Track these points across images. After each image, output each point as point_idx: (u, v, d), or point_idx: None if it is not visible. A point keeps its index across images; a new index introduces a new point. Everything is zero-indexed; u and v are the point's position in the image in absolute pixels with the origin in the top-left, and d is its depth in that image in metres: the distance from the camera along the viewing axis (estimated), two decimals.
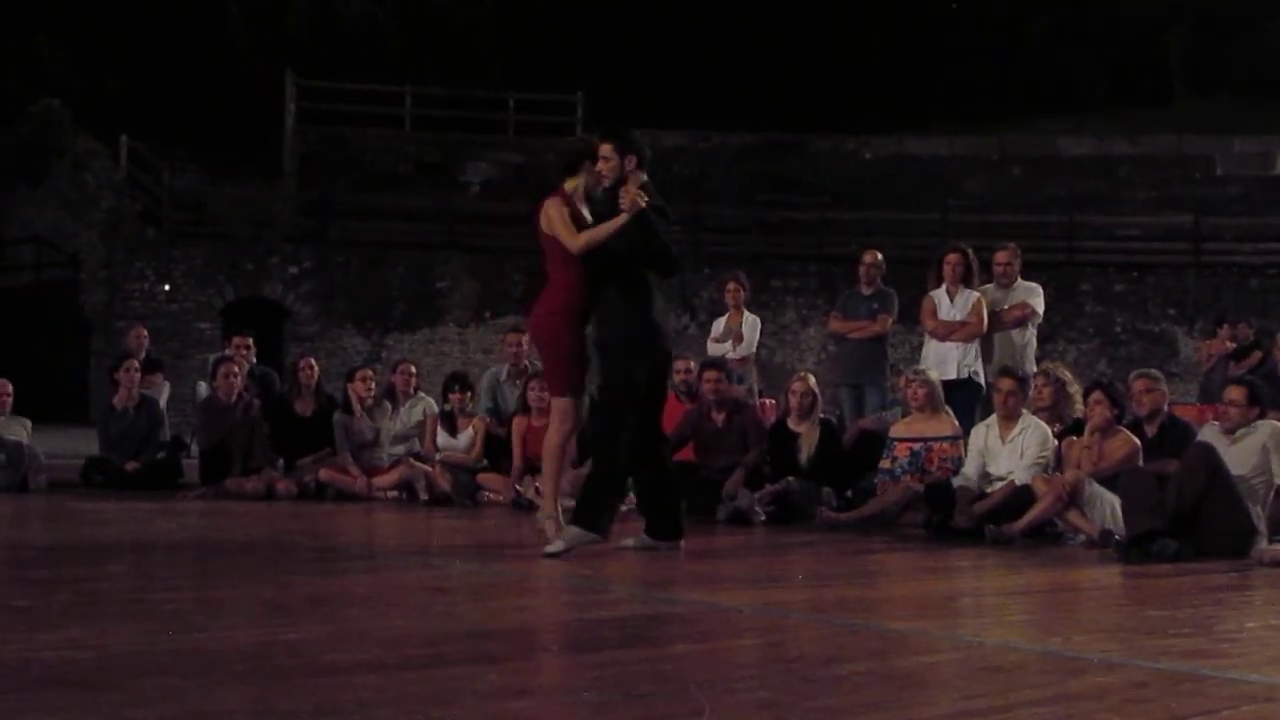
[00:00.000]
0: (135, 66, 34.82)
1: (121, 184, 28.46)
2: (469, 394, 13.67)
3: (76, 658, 4.48)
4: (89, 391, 25.86)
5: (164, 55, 34.83)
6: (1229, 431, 9.30)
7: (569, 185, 8.81)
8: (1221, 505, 8.90)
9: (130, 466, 13.68)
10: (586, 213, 8.69)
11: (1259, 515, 9.02)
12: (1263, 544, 8.84)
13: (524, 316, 8.87)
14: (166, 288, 27.48)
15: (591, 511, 8.38)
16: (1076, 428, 10.55)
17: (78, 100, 29.82)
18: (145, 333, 18.08)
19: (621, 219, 8.45)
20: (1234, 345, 18.00)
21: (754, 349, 14.44)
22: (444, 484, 12.91)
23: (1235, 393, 9.43)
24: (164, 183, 28.96)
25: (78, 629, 5.13)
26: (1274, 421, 9.34)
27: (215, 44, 35.44)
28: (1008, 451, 10.49)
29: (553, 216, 8.65)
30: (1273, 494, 9.10)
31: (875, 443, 11.94)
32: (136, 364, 14.64)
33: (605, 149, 8.76)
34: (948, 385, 11.91)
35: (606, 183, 8.74)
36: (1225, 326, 18.72)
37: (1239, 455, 9.10)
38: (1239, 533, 8.90)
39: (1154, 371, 10.92)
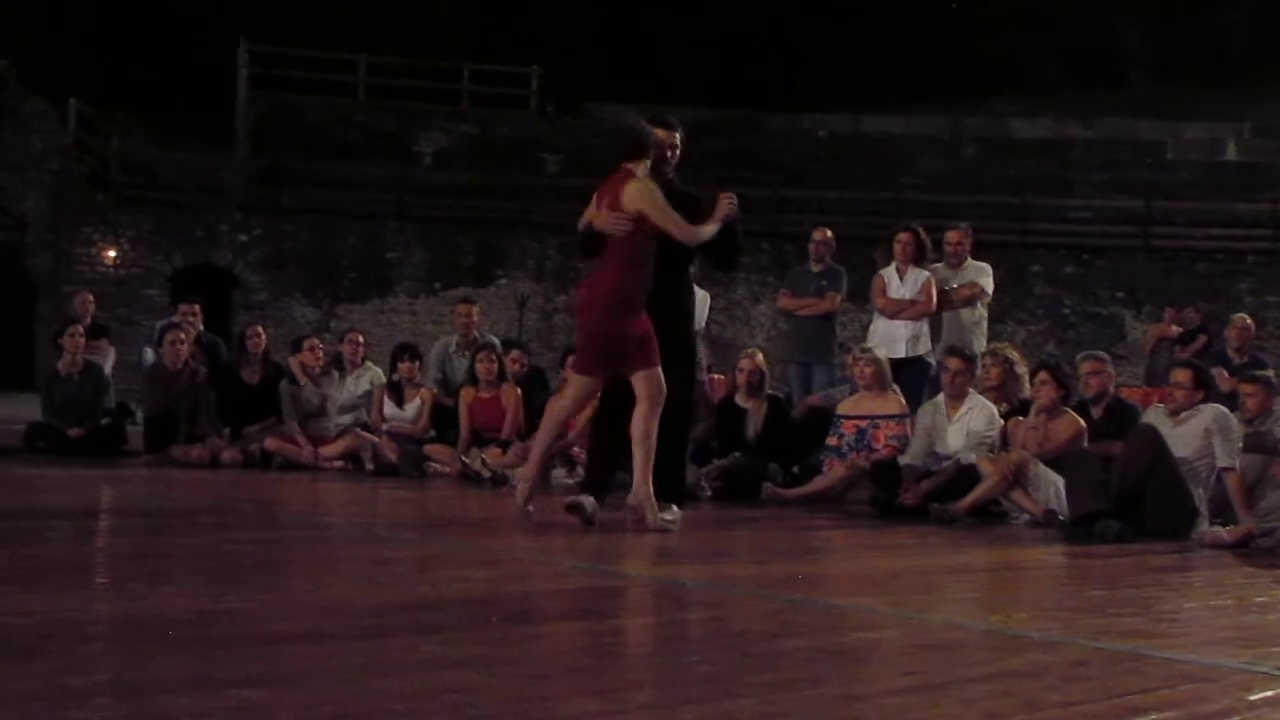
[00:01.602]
0: (85, 28, 34.53)
1: (70, 147, 28.22)
2: (418, 364, 13.65)
3: (15, 624, 4.44)
4: (34, 357, 25.66)
5: (115, 18, 34.54)
6: (1173, 414, 9.35)
7: (639, 170, 8.51)
8: (1164, 487, 8.97)
9: (74, 433, 13.59)
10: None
11: (1201, 497, 9.09)
12: (1204, 526, 8.91)
13: (575, 287, 8.74)
14: (113, 253, 27.29)
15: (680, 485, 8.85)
16: (1023, 408, 10.61)
17: (26, 61, 29.50)
18: (91, 298, 17.99)
19: (717, 224, 8.59)
20: (1179, 329, 18.15)
21: (703, 324, 14.45)
22: (391, 455, 12.88)
23: (1181, 375, 9.49)
24: (113, 147, 28.73)
25: (17, 595, 5.08)
26: (1217, 405, 9.41)
27: (167, 7, 35.16)
28: (954, 431, 10.54)
29: (656, 198, 8.38)
30: (1215, 476, 9.16)
31: (823, 420, 11.96)
32: (81, 329, 14.55)
33: (677, 137, 8.93)
34: (896, 364, 11.96)
35: (670, 172, 8.78)
36: (1169, 310, 18.88)
37: (1183, 438, 9.16)
38: (1181, 514, 8.97)
39: (1101, 353, 11.01)
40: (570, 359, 12.26)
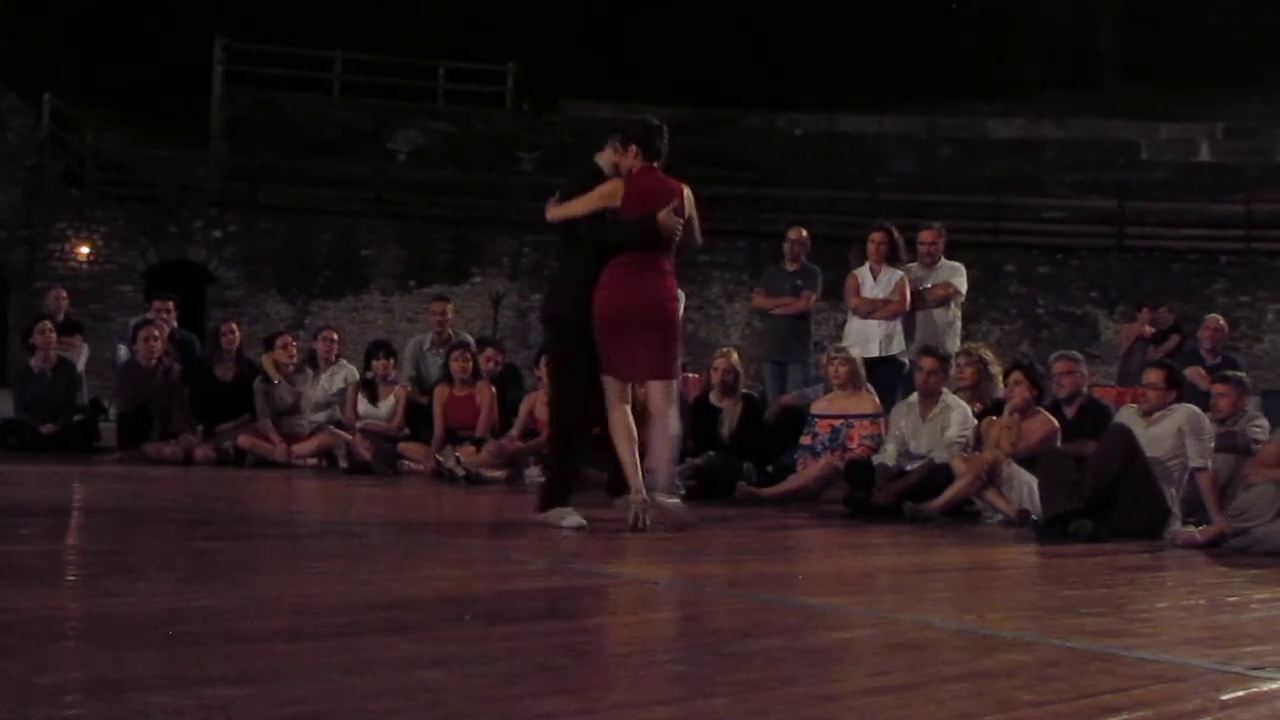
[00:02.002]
0: (61, 24, 34.40)
1: (44, 142, 28.10)
2: (392, 361, 13.65)
3: None
4: (6, 353, 25.57)
5: (90, 13, 34.42)
6: (1146, 414, 9.38)
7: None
8: (1137, 487, 9.00)
9: (47, 429, 13.56)
10: None
11: (1173, 497, 9.13)
12: (1176, 525, 8.96)
13: (671, 297, 8.61)
14: (87, 249, 27.20)
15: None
16: (997, 408, 10.63)
17: (1, 56, 29.39)
18: (65, 294, 17.90)
19: None
20: (1153, 329, 18.19)
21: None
22: (365, 452, 12.87)
23: (1153, 375, 9.53)
24: (88, 142, 28.63)
25: None
26: (1190, 405, 9.44)
27: (143, 3, 35.04)
28: (928, 430, 10.56)
29: (691, 203, 8.67)
30: (1187, 476, 9.20)
31: (797, 419, 11.98)
32: (50, 326, 14.50)
33: None
34: (870, 363, 11.97)
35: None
36: (1145, 310, 18.90)
37: (1155, 438, 9.19)
38: (1153, 514, 9.01)
39: (1075, 353, 11.06)
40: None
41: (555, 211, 8.70)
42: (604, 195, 8.53)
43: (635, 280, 8.43)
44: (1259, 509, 8.36)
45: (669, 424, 8.49)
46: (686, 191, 8.59)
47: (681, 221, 8.48)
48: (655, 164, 8.62)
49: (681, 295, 13.92)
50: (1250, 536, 8.34)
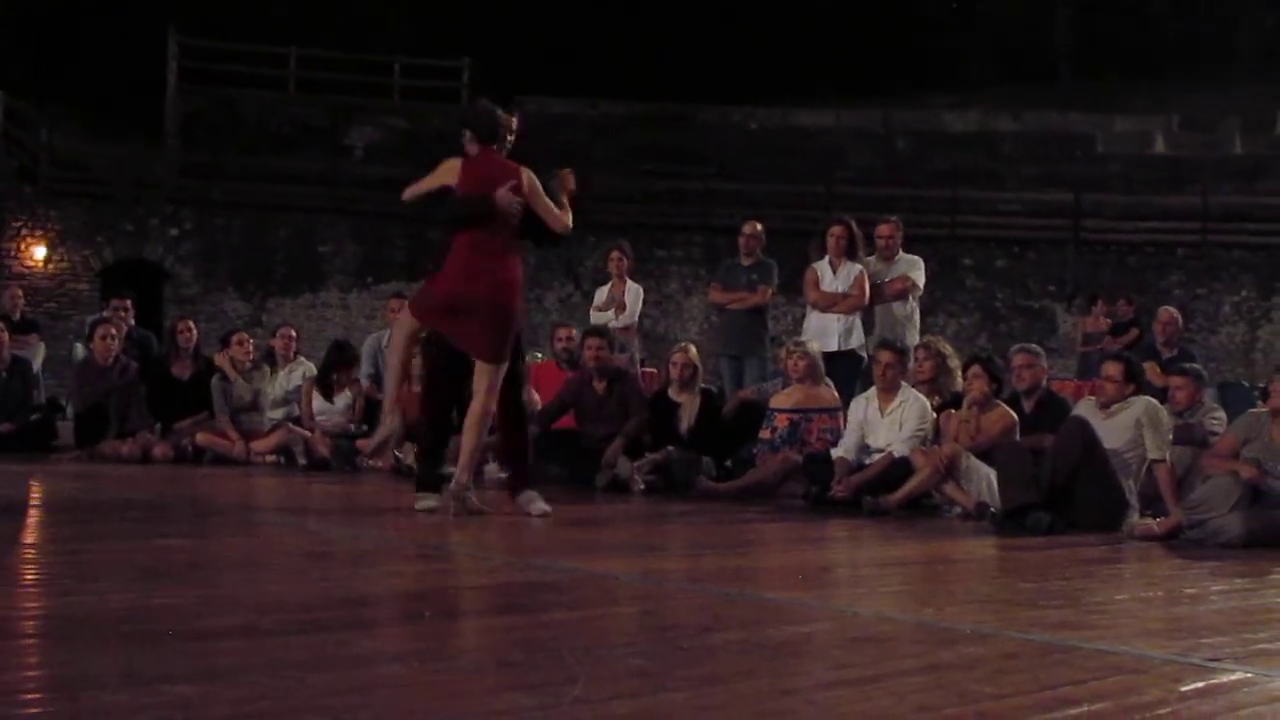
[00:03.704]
0: (14, 22, 34.19)
1: None
2: (352, 368, 13.66)
3: None
4: None
5: (45, 10, 34.22)
6: (1104, 406, 9.41)
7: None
8: (1095, 479, 9.03)
9: (3, 428, 13.48)
10: None
11: (1131, 489, 9.16)
12: (1134, 518, 8.98)
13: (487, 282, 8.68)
14: (43, 248, 27.03)
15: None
16: (955, 401, 10.65)
17: None
18: (20, 293, 17.84)
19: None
20: (1110, 322, 18.27)
21: (636, 318, 14.46)
22: (323, 449, 12.84)
23: (1111, 368, 9.55)
24: (42, 140, 28.44)
25: None
26: (1148, 397, 9.48)
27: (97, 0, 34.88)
28: (887, 424, 10.57)
29: (537, 187, 8.72)
30: (1145, 468, 9.23)
31: (755, 413, 11.97)
32: (2, 325, 14.42)
33: (514, 122, 8.99)
34: (829, 357, 11.98)
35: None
36: (1099, 303, 18.98)
37: (1113, 430, 9.22)
38: (1111, 507, 9.04)
39: (1033, 346, 11.06)
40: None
41: (408, 192, 8.79)
42: (442, 173, 8.71)
43: (473, 262, 8.55)
44: (1216, 501, 8.40)
45: (480, 408, 8.67)
46: (527, 174, 8.67)
47: (518, 201, 8.56)
48: (494, 147, 8.76)
49: (640, 289, 14.09)
50: (1207, 528, 8.38)
